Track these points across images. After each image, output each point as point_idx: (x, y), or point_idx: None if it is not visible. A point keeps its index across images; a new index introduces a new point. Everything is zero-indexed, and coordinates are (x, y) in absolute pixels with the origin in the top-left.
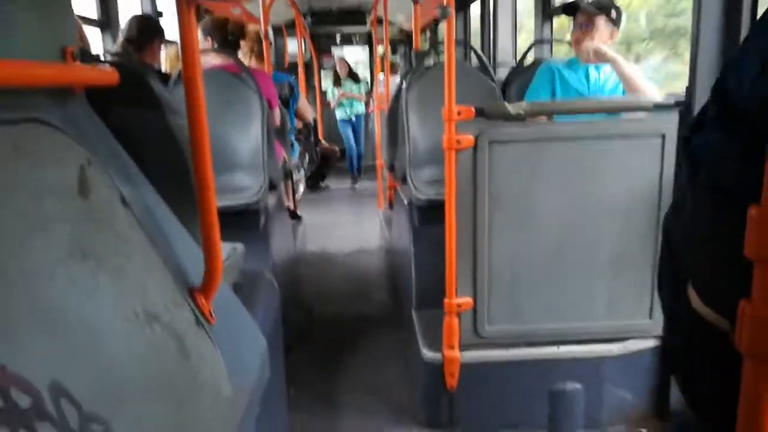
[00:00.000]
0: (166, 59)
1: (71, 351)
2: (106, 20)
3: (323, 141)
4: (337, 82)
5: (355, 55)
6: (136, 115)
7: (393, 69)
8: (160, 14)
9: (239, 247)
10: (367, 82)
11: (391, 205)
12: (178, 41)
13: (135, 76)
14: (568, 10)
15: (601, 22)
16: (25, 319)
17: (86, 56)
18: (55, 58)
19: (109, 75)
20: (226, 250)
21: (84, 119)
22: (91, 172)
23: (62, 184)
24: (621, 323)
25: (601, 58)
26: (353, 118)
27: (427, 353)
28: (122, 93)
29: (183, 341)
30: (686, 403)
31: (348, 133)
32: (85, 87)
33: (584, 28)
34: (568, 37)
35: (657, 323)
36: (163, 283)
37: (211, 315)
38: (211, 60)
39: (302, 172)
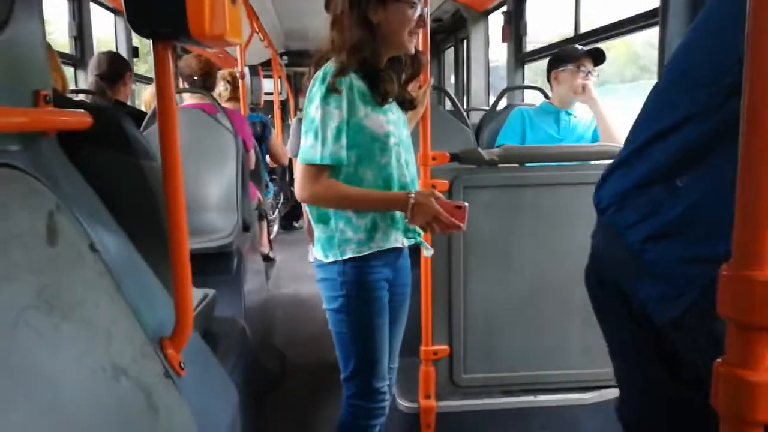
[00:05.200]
0: (142, 98)
1: (36, 408)
2: (81, 57)
3: None
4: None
5: None
6: (109, 157)
7: None
8: (136, 51)
9: (211, 293)
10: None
11: None
12: (154, 81)
13: (109, 118)
14: (600, 59)
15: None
16: None
17: (59, 99)
18: (27, 102)
19: (81, 119)
20: (197, 296)
21: (54, 162)
22: (60, 217)
23: (30, 231)
24: (596, 371)
25: (588, 94)
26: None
27: (403, 403)
28: (95, 135)
29: (151, 395)
30: None
31: (384, 335)
32: (57, 131)
33: (587, 73)
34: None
35: None
36: (131, 333)
37: (180, 366)
38: (187, 99)
39: (276, 212)
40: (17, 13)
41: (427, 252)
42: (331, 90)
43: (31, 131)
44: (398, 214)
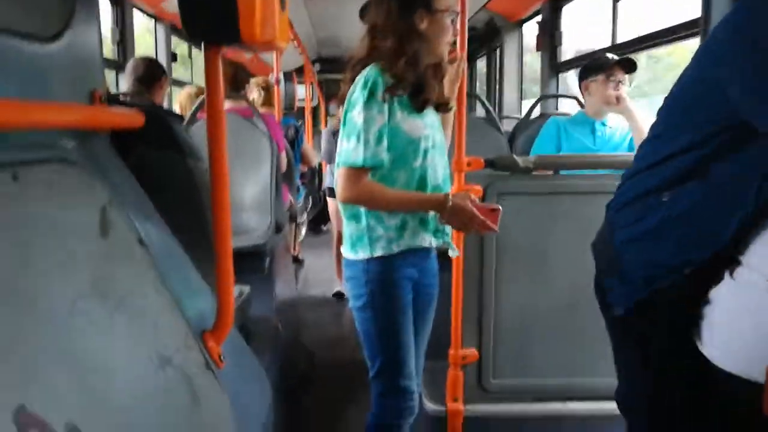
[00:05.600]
0: (178, 101)
1: (87, 392)
2: (123, 62)
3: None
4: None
5: None
6: (158, 156)
7: None
8: (174, 57)
9: (246, 289)
10: None
11: None
12: (205, 85)
13: (159, 118)
14: (631, 67)
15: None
16: (45, 357)
17: (112, 99)
18: (84, 100)
19: (134, 117)
20: (234, 292)
21: (107, 159)
22: (112, 212)
23: (85, 223)
24: None
25: (622, 105)
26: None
27: (430, 405)
28: (146, 134)
29: (193, 385)
30: None
31: (408, 333)
32: (111, 129)
33: (618, 83)
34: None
35: None
36: (175, 324)
37: (220, 359)
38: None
39: (305, 215)
40: (77, 17)
41: (452, 253)
42: (374, 95)
43: (86, 129)
44: (429, 215)
